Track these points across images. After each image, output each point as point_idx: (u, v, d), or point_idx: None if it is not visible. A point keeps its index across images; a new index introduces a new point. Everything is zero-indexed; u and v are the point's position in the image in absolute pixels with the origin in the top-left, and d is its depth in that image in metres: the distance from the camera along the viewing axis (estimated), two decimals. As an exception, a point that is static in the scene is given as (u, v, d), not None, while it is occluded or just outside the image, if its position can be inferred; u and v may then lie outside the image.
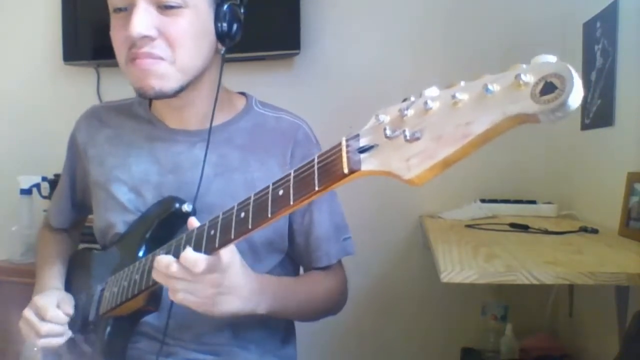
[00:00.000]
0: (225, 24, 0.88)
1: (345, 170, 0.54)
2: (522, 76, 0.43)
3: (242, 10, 0.92)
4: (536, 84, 0.42)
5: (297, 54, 1.92)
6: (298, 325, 1.08)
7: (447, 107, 0.47)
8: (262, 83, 1.83)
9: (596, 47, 1.49)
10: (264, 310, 0.83)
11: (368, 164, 0.53)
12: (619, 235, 1.24)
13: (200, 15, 0.86)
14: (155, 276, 0.75)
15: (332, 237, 0.99)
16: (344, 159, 0.55)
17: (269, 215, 0.63)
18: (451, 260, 0.95)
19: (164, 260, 0.72)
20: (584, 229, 1.29)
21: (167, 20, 0.83)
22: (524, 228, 1.36)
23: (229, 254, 0.74)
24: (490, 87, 0.44)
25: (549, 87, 0.41)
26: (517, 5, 1.80)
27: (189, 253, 0.70)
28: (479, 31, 1.81)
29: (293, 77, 1.99)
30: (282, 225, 0.97)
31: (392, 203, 1.92)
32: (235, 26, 0.90)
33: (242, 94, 1.04)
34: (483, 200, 1.73)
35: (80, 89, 2.17)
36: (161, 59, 0.84)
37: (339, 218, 1.03)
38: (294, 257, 1.02)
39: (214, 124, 0.95)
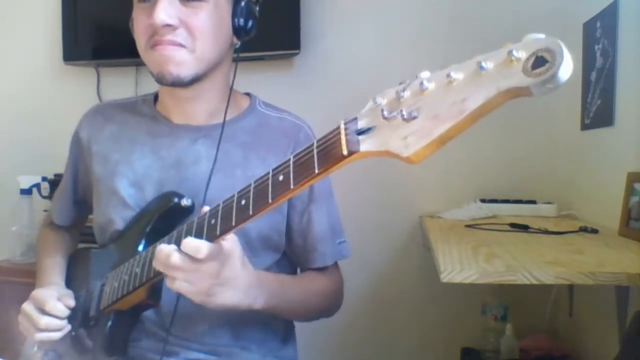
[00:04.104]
0: (242, 20, 0.93)
1: (345, 152, 0.55)
2: (514, 52, 0.45)
3: (257, 8, 0.96)
4: (528, 59, 0.44)
5: (297, 54, 1.92)
6: (298, 325, 1.08)
7: (443, 86, 0.49)
8: (262, 83, 1.82)
9: (596, 47, 1.49)
10: (261, 306, 0.83)
11: (366, 144, 0.54)
12: (619, 235, 1.24)
13: (219, 9, 0.90)
14: (156, 265, 0.75)
15: (328, 238, 1.00)
16: (343, 141, 0.55)
17: (270, 201, 0.63)
18: (451, 260, 0.95)
19: (165, 249, 0.73)
20: (584, 229, 1.29)
21: (189, 12, 0.88)
22: (524, 228, 1.36)
23: (231, 243, 0.74)
24: (484, 64, 0.46)
25: (540, 61, 0.43)
26: (517, 6, 1.81)
27: (190, 240, 0.71)
28: (479, 31, 1.81)
29: (293, 77, 1.99)
30: (280, 222, 0.97)
31: (392, 203, 1.92)
32: (250, 22, 0.95)
33: (247, 94, 1.06)
34: (483, 200, 1.73)
35: (80, 89, 2.17)
36: (182, 46, 0.88)
37: (336, 221, 1.04)
38: (291, 257, 1.03)
39: (217, 122, 0.97)
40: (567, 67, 0.42)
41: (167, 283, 0.75)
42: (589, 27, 1.57)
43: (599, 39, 1.48)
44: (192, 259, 0.71)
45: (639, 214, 1.19)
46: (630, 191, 1.23)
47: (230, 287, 0.77)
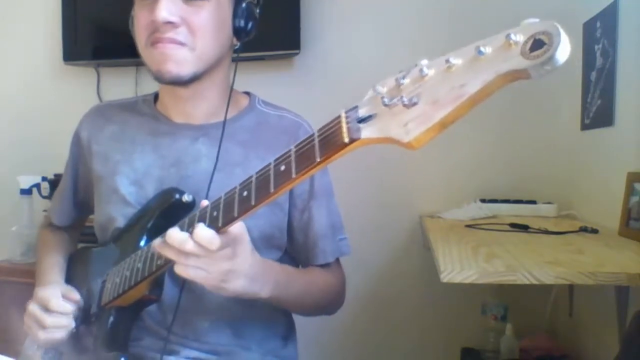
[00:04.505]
0: (242, 20, 0.94)
1: (346, 140, 0.55)
2: (512, 36, 0.45)
3: (257, 10, 0.97)
4: (525, 42, 0.45)
5: (297, 54, 1.92)
6: (298, 325, 1.08)
7: (442, 72, 0.49)
8: (262, 83, 1.82)
9: (596, 47, 1.49)
10: (267, 294, 0.83)
11: (367, 132, 0.54)
12: (619, 235, 1.24)
13: (221, 9, 0.91)
14: (166, 252, 0.74)
15: (328, 235, 1.01)
16: (344, 129, 0.56)
17: (272, 190, 0.63)
18: (451, 260, 0.95)
19: (178, 236, 0.71)
20: (584, 229, 1.29)
21: (191, 10, 0.88)
22: (524, 228, 1.36)
23: (239, 228, 0.73)
24: (482, 49, 0.47)
25: (538, 44, 0.44)
26: (517, 6, 1.80)
27: (204, 231, 0.70)
28: (479, 31, 1.78)
29: (293, 77, 1.99)
30: (281, 220, 0.98)
31: (392, 203, 1.92)
32: (250, 23, 0.95)
33: (247, 93, 1.06)
34: (483, 200, 1.73)
35: (80, 89, 2.17)
36: (183, 44, 0.88)
37: (336, 218, 1.04)
38: (293, 254, 1.03)
39: (217, 121, 0.97)
40: (565, 49, 0.43)
41: (179, 270, 0.73)
42: (589, 27, 1.57)
43: (599, 39, 1.48)
44: None
45: (639, 214, 1.19)
46: (630, 191, 1.23)
47: (241, 273, 0.77)
